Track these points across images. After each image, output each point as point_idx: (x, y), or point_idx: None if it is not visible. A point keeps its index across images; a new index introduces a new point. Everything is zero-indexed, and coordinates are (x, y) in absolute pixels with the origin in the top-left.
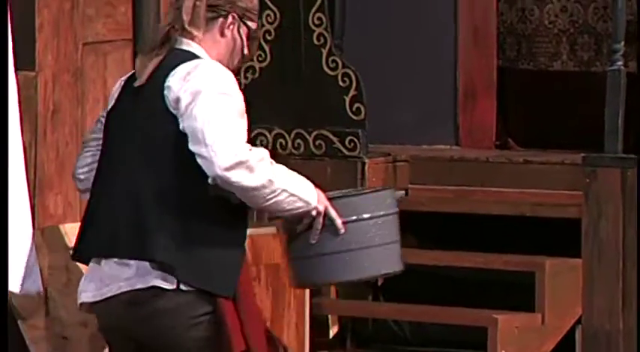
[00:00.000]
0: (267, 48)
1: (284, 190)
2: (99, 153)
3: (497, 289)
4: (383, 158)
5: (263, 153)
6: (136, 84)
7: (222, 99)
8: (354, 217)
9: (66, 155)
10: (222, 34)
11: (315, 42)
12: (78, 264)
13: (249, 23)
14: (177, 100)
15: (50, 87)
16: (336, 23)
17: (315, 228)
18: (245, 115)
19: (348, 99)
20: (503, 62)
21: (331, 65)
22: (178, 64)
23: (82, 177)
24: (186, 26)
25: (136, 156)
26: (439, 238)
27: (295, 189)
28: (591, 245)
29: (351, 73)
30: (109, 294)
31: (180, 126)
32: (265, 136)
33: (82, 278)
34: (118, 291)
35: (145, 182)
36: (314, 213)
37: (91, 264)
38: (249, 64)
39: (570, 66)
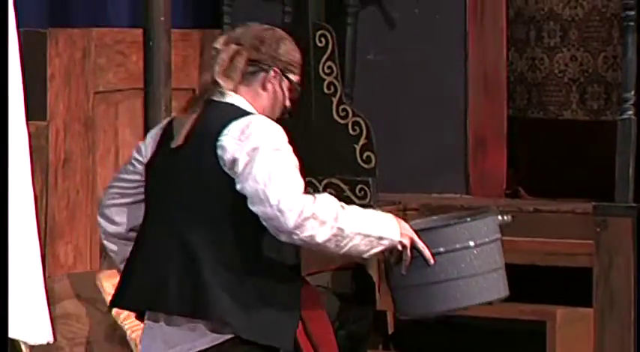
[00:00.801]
0: None
1: (357, 234)
2: (125, 193)
3: (510, 338)
4: (393, 206)
5: (328, 200)
6: (174, 145)
7: (279, 156)
8: (442, 249)
9: (77, 204)
10: (264, 88)
11: (326, 91)
12: (89, 312)
13: (291, 76)
14: (234, 161)
15: (61, 136)
16: (346, 72)
17: (403, 260)
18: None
19: (358, 148)
20: (513, 111)
21: (341, 114)
22: (229, 121)
23: (107, 214)
24: (217, 77)
25: (184, 213)
26: None
27: (370, 230)
28: (602, 294)
29: (361, 122)
30: None
31: (238, 187)
32: None
33: (142, 337)
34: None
35: (197, 237)
36: (399, 247)
37: (147, 321)
38: None
39: (580, 115)
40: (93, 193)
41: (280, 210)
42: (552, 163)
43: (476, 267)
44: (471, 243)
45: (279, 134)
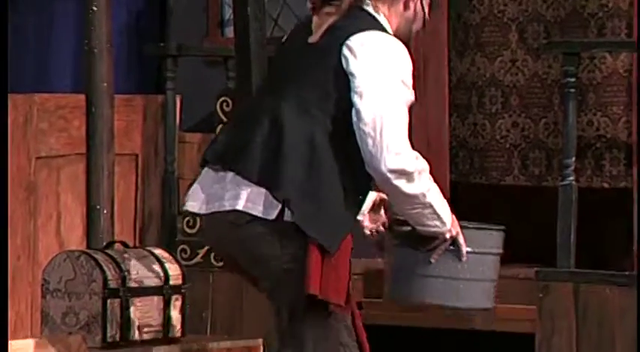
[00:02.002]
0: None
1: (431, 205)
2: None
3: None
4: None
5: (425, 165)
6: (311, 39)
7: (403, 91)
8: (476, 249)
9: (17, 269)
10: (406, 7)
11: None
12: None
13: None
14: (356, 68)
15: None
16: None
17: (439, 248)
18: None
19: None
20: (455, 176)
21: None
22: (365, 29)
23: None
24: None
25: (290, 94)
26: None
27: (439, 209)
28: None
29: None
30: (213, 210)
31: (353, 96)
32: None
33: (195, 185)
34: (222, 209)
35: (292, 117)
36: (447, 235)
37: (206, 169)
38: None
39: (522, 180)
40: (34, 259)
41: (387, 148)
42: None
43: (489, 273)
44: (494, 251)
45: (407, 64)
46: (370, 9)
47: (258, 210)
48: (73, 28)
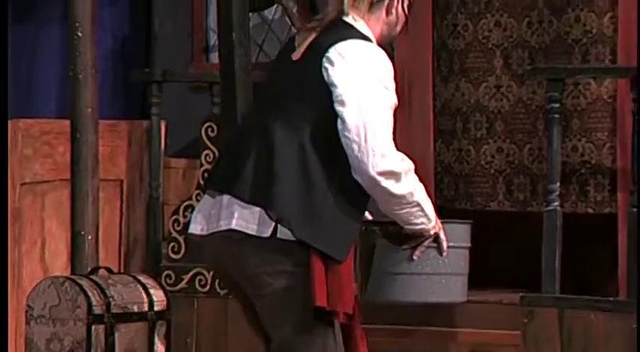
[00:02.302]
0: None
1: (418, 204)
2: None
3: None
4: None
5: (411, 165)
6: (294, 56)
7: (384, 95)
8: (454, 244)
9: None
10: (388, 13)
11: None
12: None
13: None
14: (336, 78)
15: None
16: None
17: (422, 245)
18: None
19: None
20: (440, 202)
21: None
22: (344, 39)
23: None
24: (346, 10)
25: (279, 112)
26: None
27: (426, 206)
28: None
29: None
30: (212, 230)
31: (336, 106)
32: (204, 275)
33: (195, 211)
34: (219, 229)
35: (282, 134)
36: (432, 232)
37: (205, 196)
38: (187, 202)
39: (507, 206)
40: (19, 285)
41: (373, 152)
42: (479, 254)
43: (464, 267)
44: (467, 244)
45: (387, 69)
46: (349, 19)
47: (251, 229)
48: (58, 54)
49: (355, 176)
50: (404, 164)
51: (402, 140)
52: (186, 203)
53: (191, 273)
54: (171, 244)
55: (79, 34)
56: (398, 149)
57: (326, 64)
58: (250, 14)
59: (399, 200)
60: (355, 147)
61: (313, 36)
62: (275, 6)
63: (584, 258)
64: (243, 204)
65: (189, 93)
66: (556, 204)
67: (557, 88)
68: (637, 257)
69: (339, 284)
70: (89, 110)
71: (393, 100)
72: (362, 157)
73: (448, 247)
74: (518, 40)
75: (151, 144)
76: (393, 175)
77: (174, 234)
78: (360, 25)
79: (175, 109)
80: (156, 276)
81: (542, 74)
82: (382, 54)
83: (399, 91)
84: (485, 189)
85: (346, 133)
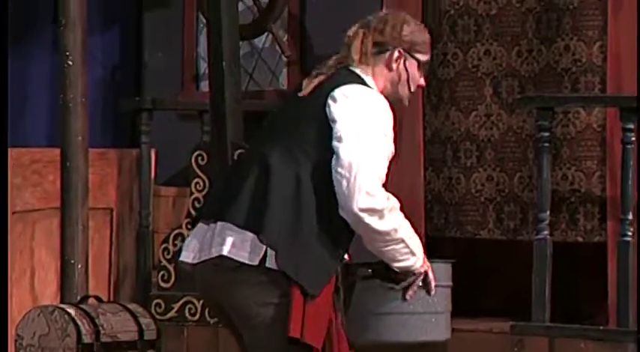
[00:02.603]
0: None
1: (403, 241)
2: None
3: None
4: None
5: (396, 203)
6: (301, 94)
7: (382, 140)
8: (442, 283)
9: None
10: (389, 68)
11: None
12: None
13: (418, 56)
14: (336, 116)
15: None
16: None
17: (414, 284)
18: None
19: None
20: (430, 230)
21: None
22: (350, 82)
23: None
24: (356, 64)
25: (279, 146)
26: None
27: (412, 244)
28: None
29: None
30: (203, 258)
31: (333, 142)
32: (194, 304)
33: (188, 237)
34: (210, 256)
35: (281, 166)
36: (421, 270)
37: (199, 224)
38: (177, 231)
39: (497, 234)
40: (10, 315)
41: (358, 188)
42: (470, 282)
43: (449, 305)
44: (450, 283)
45: (388, 117)
46: (357, 70)
47: (242, 256)
48: (49, 82)
49: (341, 212)
50: (388, 202)
51: (393, 168)
52: (176, 231)
53: (181, 302)
54: (161, 273)
55: (70, 63)
56: (388, 177)
57: (330, 101)
58: (240, 43)
59: (383, 237)
60: (344, 183)
61: (321, 79)
62: (265, 34)
63: (574, 286)
64: (236, 229)
65: (179, 121)
66: (546, 232)
67: (547, 116)
68: (636, 286)
69: (315, 316)
70: (79, 138)
71: (389, 148)
72: (348, 193)
73: (435, 286)
74: (508, 69)
75: (141, 173)
76: (376, 212)
77: (164, 263)
78: (368, 78)
79: (165, 138)
80: (146, 305)
81: (532, 103)
82: (384, 102)
83: None
84: (476, 217)
85: (338, 168)
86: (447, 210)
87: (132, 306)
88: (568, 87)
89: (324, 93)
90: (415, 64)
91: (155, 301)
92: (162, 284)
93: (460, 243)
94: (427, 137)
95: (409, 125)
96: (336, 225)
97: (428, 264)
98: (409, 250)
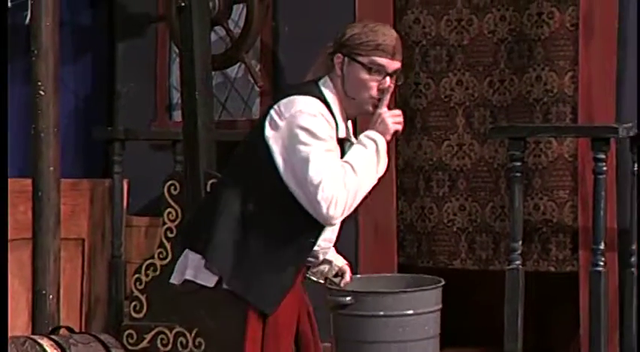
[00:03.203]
0: (168, 246)
1: (363, 167)
2: None
3: None
4: None
5: (346, 169)
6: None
7: (314, 145)
8: (411, 311)
9: None
10: (338, 73)
11: None
12: None
13: (359, 58)
14: (270, 137)
15: None
16: None
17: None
18: (332, 144)
19: None
20: (403, 259)
21: None
22: (292, 94)
23: None
24: (322, 73)
25: (234, 167)
26: None
27: (368, 161)
28: None
29: None
30: (174, 281)
31: (276, 158)
32: (166, 334)
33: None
34: (179, 281)
35: (232, 188)
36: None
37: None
38: (150, 261)
39: (469, 264)
40: None
41: (318, 203)
42: (442, 312)
43: (437, 329)
44: (435, 307)
45: (319, 121)
46: (320, 80)
47: (201, 278)
48: (21, 112)
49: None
50: (342, 190)
51: (365, 197)
52: (149, 261)
53: (153, 332)
54: (133, 303)
55: (42, 93)
56: (362, 206)
57: (265, 123)
58: (213, 73)
59: (362, 188)
60: (303, 199)
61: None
62: (238, 65)
63: (547, 316)
64: (192, 253)
65: (152, 151)
66: (518, 262)
67: (519, 146)
68: (612, 316)
69: (274, 336)
70: (51, 169)
71: (326, 147)
72: (314, 208)
73: (429, 312)
74: (480, 99)
75: (113, 203)
76: (341, 205)
77: (136, 293)
78: (326, 85)
79: (138, 167)
80: (117, 335)
81: (504, 133)
82: (316, 107)
83: None
84: (448, 247)
85: (292, 187)
86: (420, 239)
87: (103, 337)
88: (540, 117)
89: (267, 111)
90: (358, 66)
91: (127, 332)
92: (134, 315)
93: (433, 273)
94: (400, 166)
95: None
96: (285, 242)
97: (386, 117)
98: (373, 161)
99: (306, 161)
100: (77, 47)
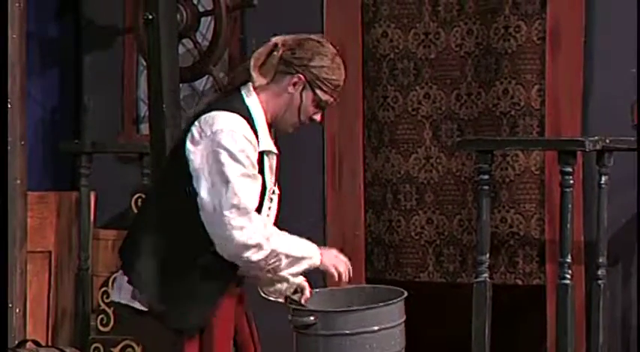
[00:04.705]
0: None
1: (285, 254)
2: None
3: None
4: None
5: (269, 231)
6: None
7: (232, 167)
8: (377, 327)
9: None
10: (285, 91)
11: None
12: None
13: (318, 92)
14: (191, 154)
15: None
16: None
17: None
18: (256, 174)
19: None
20: (371, 273)
21: None
22: (213, 109)
23: None
24: (252, 70)
25: (159, 186)
26: None
27: (295, 250)
28: None
29: None
30: (114, 298)
31: (194, 182)
32: (133, 348)
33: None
34: (117, 300)
35: (152, 210)
36: (319, 263)
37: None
38: (117, 274)
39: (436, 277)
40: None
41: (228, 236)
42: (409, 325)
43: (403, 341)
44: (401, 320)
45: (241, 141)
46: (246, 89)
47: (133, 302)
48: None
49: (219, 251)
50: (260, 235)
51: (333, 210)
52: (116, 274)
53: (120, 346)
54: (100, 316)
55: (8, 105)
56: (330, 219)
57: (187, 139)
58: (181, 85)
59: (265, 261)
60: (211, 229)
61: (202, 106)
62: (206, 77)
63: (514, 328)
64: (121, 275)
65: (119, 164)
66: (485, 275)
67: (486, 159)
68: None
69: (210, 349)
70: (17, 181)
71: (244, 170)
72: (219, 242)
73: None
74: (448, 112)
75: (80, 216)
76: (252, 249)
77: (103, 307)
78: (252, 96)
79: (105, 180)
80: (84, 349)
81: (471, 146)
82: (240, 126)
83: (330, 163)
84: (415, 260)
85: (202, 212)
86: (388, 252)
87: (70, 350)
88: (507, 130)
89: (188, 126)
90: (311, 96)
91: (94, 345)
92: (101, 328)
93: (400, 286)
94: (367, 179)
95: (350, 167)
96: (209, 265)
97: (329, 254)
98: (298, 257)
99: (225, 182)
100: (44, 59)
